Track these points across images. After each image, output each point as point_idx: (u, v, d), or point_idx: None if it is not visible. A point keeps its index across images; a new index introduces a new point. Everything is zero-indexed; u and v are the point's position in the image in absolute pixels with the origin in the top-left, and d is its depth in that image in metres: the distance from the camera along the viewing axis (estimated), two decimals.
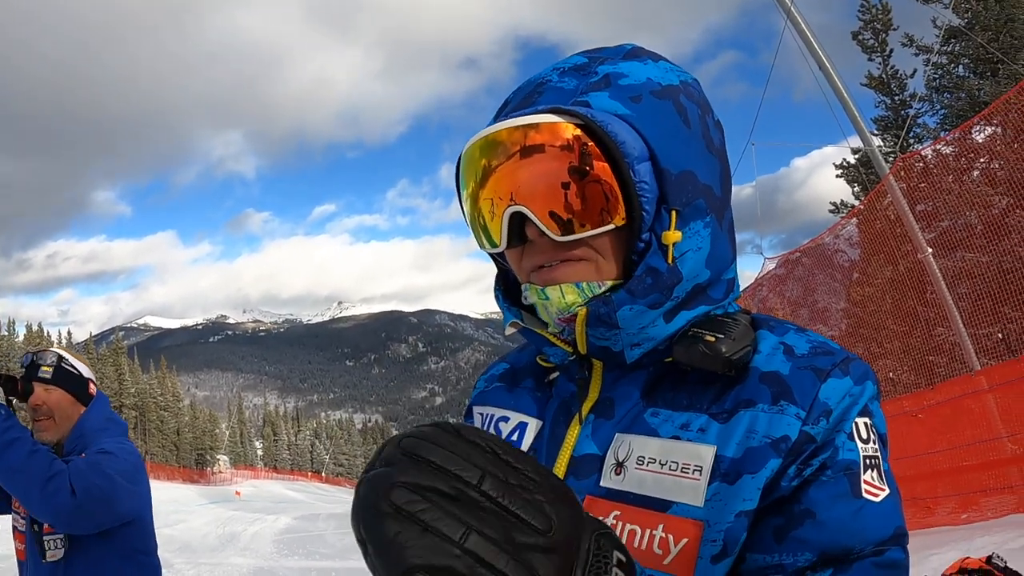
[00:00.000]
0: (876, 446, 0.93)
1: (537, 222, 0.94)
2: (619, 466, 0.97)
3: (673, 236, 0.94)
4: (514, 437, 1.10)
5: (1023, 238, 9.12)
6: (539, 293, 1.00)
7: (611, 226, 0.94)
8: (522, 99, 1.02)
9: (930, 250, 9.83)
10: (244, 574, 12.85)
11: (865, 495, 0.89)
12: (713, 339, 0.94)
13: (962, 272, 9.95)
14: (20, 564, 2.89)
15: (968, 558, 5.32)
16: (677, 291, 0.97)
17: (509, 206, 0.95)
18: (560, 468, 1.01)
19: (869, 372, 0.97)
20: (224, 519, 25.99)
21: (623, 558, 0.64)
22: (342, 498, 63.24)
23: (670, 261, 0.95)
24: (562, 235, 0.94)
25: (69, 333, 79.68)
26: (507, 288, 1.13)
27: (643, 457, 0.95)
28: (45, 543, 2.72)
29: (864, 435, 0.92)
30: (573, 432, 1.02)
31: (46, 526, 2.71)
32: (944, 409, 9.82)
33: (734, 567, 0.91)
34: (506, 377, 1.23)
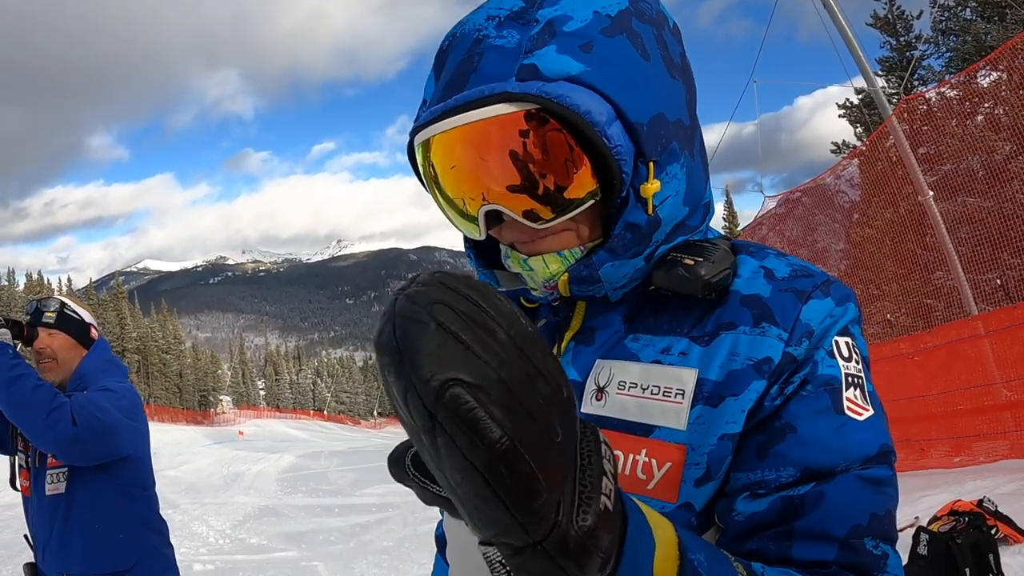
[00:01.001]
0: (859, 366, 0.93)
1: (515, 217, 0.91)
2: (600, 392, 0.96)
3: (652, 187, 0.91)
4: None
5: None
6: (522, 264, 0.99)
7: (590, 201, 0.91)
8: (460, 63, 0.91)
9: (931, 193, 9.77)
10: (249, 512, 13.04)
11: (848, 412, 0.88)
12: (692, 262, 0.93)
13: (962, 216, 9.91)
14: (25, 499, 3.06)
15: (959, 501, 5.41)
16: (657, 235, 0.96)
17: (483, 205, 0.91)
18: None
19: (851, 295, 0.96)
20: (228, 459, 26.29)
21: (607, 444, 0.62)
22: (344, 435, 64.01)
23: (650, 212, 0.93)
24: (540, 224, 0.92)
25: (69, 280, 79.58)
26: (477, 244, 1.10)
27: (624, 382, 0.95)
28: (48, 477, 2.88)
29: (846, 353, 0.92)
30: None
31: (49, 460, 2.88)
32: (940, 353, 9.87)
33: (719, 491, 0.91)
34: None
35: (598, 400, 0.96)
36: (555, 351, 1.02)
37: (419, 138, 0.93)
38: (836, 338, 0.92)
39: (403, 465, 0.63)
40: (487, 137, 0.88)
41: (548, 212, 0.90)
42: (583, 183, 0.89)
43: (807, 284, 0.94)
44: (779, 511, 0.85)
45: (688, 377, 0.91)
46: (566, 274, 0.96)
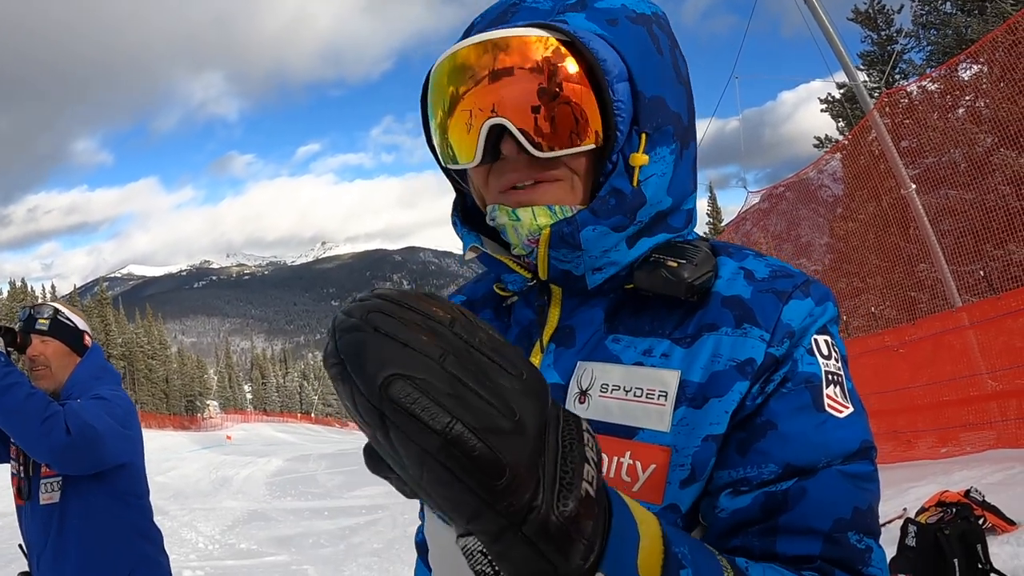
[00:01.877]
0: (839, 364, 0.94)
1: (519, 135, 0.91)
2: (583, 394, 0.96)
3: (641, 159, 0.94)
4: None
5: (1006, 177, 9.13)
6: (510, 214, 0.97)
7: (590, 145, 0.93)
8: (494, 18, 0.99)
9: (913, 186, 9.83)
10: (238, 517, 13.00)
11: (828, 409, 0.89)
12: (675, 264, 0.94)
13: (945, 209, 9.97)
14: (19, 508, 3.04)
15: (947, 491, 5.45)
16: (640, 215, 0.96)
17: (489, 118, 0.92)
18: None
19: (830, 294, 0.97)
20: (216, 464, 26.22)
21: (591, 433, 0.62)
22: (332, 438, 63.85)
23: (635, 183, 0.94)
24: (542, 152, 0.92)
25: (53, 287, 78.61)
26: (464, 213, 1.11)
27: (607, 384, 0.95)
28: (41, 487, 2.88)
29: (825, 351, 0.93)
30: (535, 361, 1.01)
31: (43, 469, 2.87)
32: (925, 344, 9.93)
33: (704, 491, 0.91)
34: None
35: (581, 403, 0.96)
36: (535, 351, 1.02)
37: (443, 54, 0.96)
38: (816, 336, 0.93)
39: (379, 457, 0.62)
40: (509, 53, 0.91)
41: (551, 142, 0.92)
42: (588, 127, 0.92)
43: (787, 284, 0.95)
44: (762, 507, 0.86)
45: (671, 379, 0.92)
46: (547, 231, 0.96)
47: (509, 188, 0.97)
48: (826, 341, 0.94)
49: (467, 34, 1.01)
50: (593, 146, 0.93)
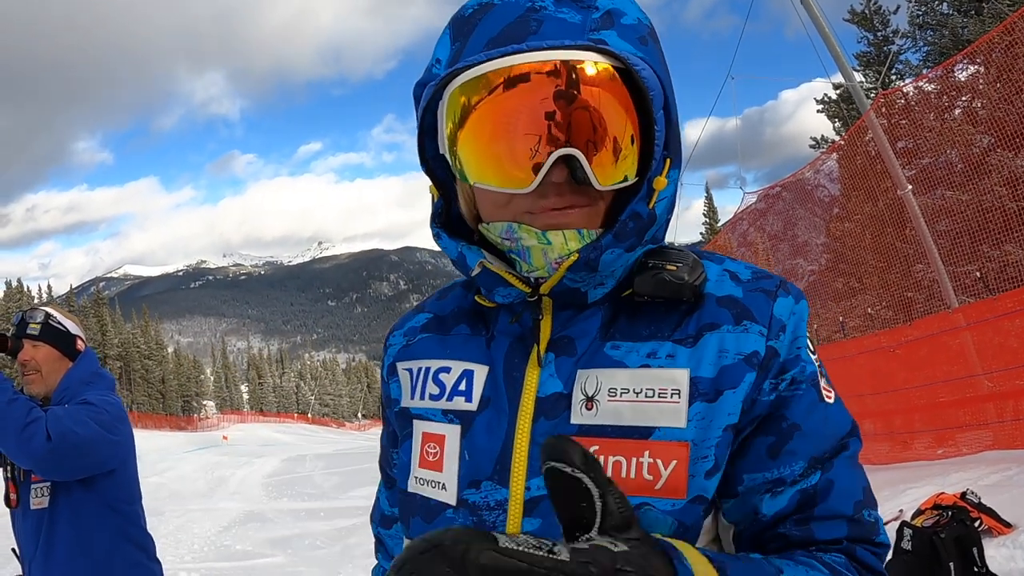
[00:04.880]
0: (817, 356, 1.03)
1: (588, 172, 0.90)
2: (589, 401, 0.96)
3: (662, 182, 0.95)
4: (462, 387, 1.05)
5: (1003, 178, 9.13)
6: (540, 237, 0.95)
7: (635, 179, 0.94)
8: (514, 23, 0.91)
9: (910, 187, 9.82)
10: (234, 518, 12.99)
11: (825, 399, 0.99)
12: (675, 267, 0.96)
13: (942, 210, 9.97)
14: (12, 513, 3.03)
15: (943, 494, 5.45)
16: (648, 234, 0.98)
17: (563, 148, 0.88)
18: (527, 411, 0.98)
19: (802, 292, 1.04)
20: (212, 464, 26.20)
21: None
22: (329, 438, 63.85)
23: (651, 206, 0.96)
24: (603, 186, 0.91)
25: (49, 287, 77.96)
26: (447, 224, 1.07)
27: (615, 388, 0.95)
28: (31, 491, 2.87)
29: (812, 347, 1.01)
30: (533, 373, 1.00)
31: (33, 475, 2.86)
32: (921, 345, 9.94)
33: (722, 481, 0.96)
34: (431, 327, 1.15)
35: (588, 409, 0.96)
36: (532, 362, 1.01)
37: (499, 63, 0.89)
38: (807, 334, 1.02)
39: None
40: (583, 81, 0.88)
41: (609, 173, 0.91)
42: (636, 159, 0.94)
43: (770, 284, 1.01)
44: (799, 503, 0.95)
45: (681, 377, 0.94)
46: (575, 255, 0.95)
47: (535, 211, 0.95)
48: (809, 337, 1.02)
49: (463, 28, 0.95)
50: (636, 180, 0.94)
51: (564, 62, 0.87)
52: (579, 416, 0.96)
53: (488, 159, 0.93)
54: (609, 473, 0.90)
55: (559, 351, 1.00)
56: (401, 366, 1.17)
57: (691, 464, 0.92)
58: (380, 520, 1.38)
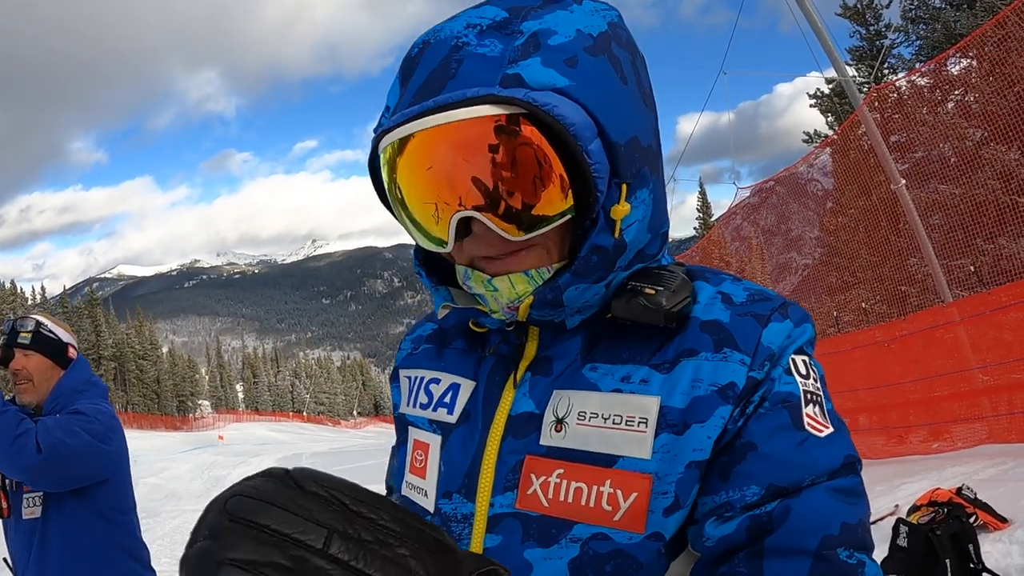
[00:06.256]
0: (817, 384, 0.93)
1: (493, 227, 0.86)
2: (559, 423, 0.94)
3: (622, 210, 0.89)
4: (447, 399, 1.07)
5: (996, 171, 9.14)
6: (487, 284, 0.93)
7: (566, 216, 0.87)
8: (436, 69, 0.88)
9: (903, 181, 9.85)
10: None
11: (808, 428, 0.88)
12: (653, 291, 0.92)
13: (935, 203, 10.00)
14: (4, 522, 3.02)
15: (938, 489, 5.46)
16: (620, 261, 0.93)
17: (458, 211, 0.86)
18: (497, 429, 0.97)
19: (808, 316, 0.96)
20: (208, 464, 26.18)
21: None
22: (324, 436, 63.92)
23: (616, 235, 0.90)
24: (518, 237, 0.87)
25: (43, 288, 77.35)
26: (427, 259, 1.05)
27: (584, 412, 0.93)
28: (24, 501, 2.86)
29: (803, 371, 0.92)
30: (509, 392, 0.99)
31: (25, 485, 2.84)
32: (916, 339, 9.96)
33: (689, 518, 0.90)
34: (435, 338, 1.17)
35: (558, 431, 0.93)
36: (508, 385, 1.00)
37: (392, 136, 0.87)
38: (793, 356, 0.92)
39: None
40: (470, 138, 0.84)
41: (523, 224, 0.86)
42: (560, 198, 0.86)
43: (766, 308, 0.93)
44: (748, 531, 0.85)
45: (651, 405, 0.90)
46: (531, 297, 0.92)
47: (483, 257, 0.92)
48: (804, 361, 0.93)
49: (406, 72, 0.93)
50: (571, 215, 0.88)
51: (452, 122, 0.83)
52: (548, 437, 0.94)
53: (411, 225, 0.92)
54: (570, 500, 0.90)
55: (536, 371, 0.99)
56: (403, 373, 1.21)
57: (652, 499, 0.88)
58: None
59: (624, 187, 0.89)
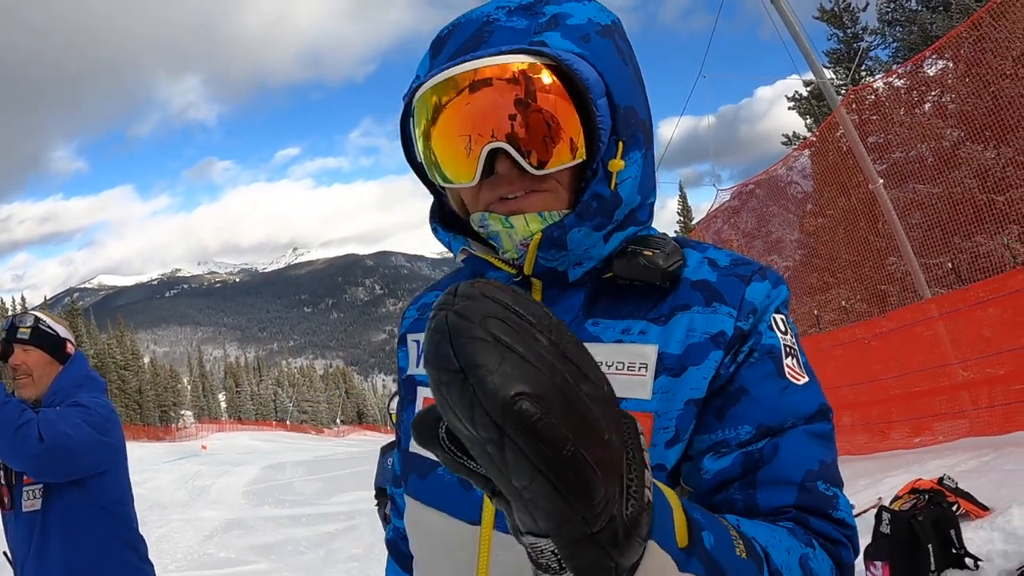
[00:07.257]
0: (793, 339, 1.07)
1: (519, 159, 0.99)
2: None
3: (618, 164, 1.04)
4: None
5: (972, 170, 9.29)
6: (503, 222, 1.06)
7: (579, 160, 1.02)
8: (470, 37, 1.05)
9: (881, 181, 9.96)
10: (216, 527, 12.90)
11: (788, 377, 1.02)
12: (651, 253, 1.05)
13: (913, 203, 10.13)
14: (4, 516, 3.04)
15: (920, 479, 5.50)
16: (617, 214, 1.07)
17: (490, 142, 0.99)
18: None
19: (782, 279, 1.11)
20: (192, 474, 25.97)
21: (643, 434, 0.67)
22: (308, 445, 63.42)
23: (612, 187, 1.04)
24: (539, 170, 1.00)
25: (23, 299, 76.75)
26: (443, 219, 1.19)
27: None
28: (23, 494, 2.87)
29: (782, 328, 1.06)
30: None
31: (25, 477, 2.87)
32: (896, 336, 10.04)
33: (685, 454, 1.02)
34: None
35: None
36: None
37: (435, 79, 1.01)
38: (774, 315, 1.06)
39: (435, 435, 0.64)
40: (504, 80, 0.98)
41: (543, 160, 1.00)
42: (576, 143, 1.01)
43: (747, 270, 1.07)
44: (742, 465, 0.98)
45: (650, 352, 1.02)
46: (540, 234, 1.04)
47: (500, 199, 1.05)
48: (782, 319, 1.07)
49: (437, 48, 1.08)
50: (582, 160, 1.02)
51: (489, 66, 0.98)
52: None
53: (441, 160, 1.05)
54: None
55: None
56: (411, 337, 1.31)
57: (654, 434, 1.00)
58: (393, 480, 1.48)
59: (621, 145, 1.04)
